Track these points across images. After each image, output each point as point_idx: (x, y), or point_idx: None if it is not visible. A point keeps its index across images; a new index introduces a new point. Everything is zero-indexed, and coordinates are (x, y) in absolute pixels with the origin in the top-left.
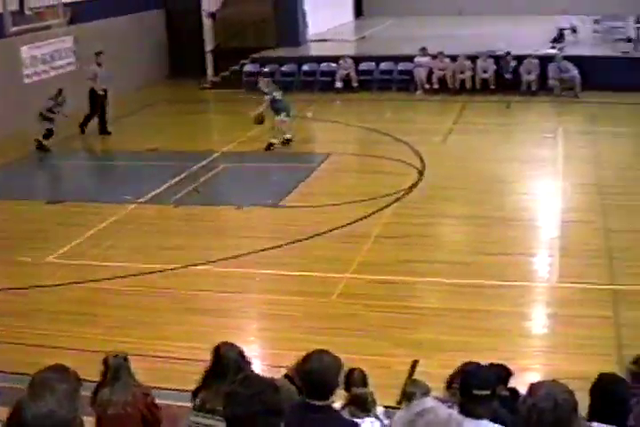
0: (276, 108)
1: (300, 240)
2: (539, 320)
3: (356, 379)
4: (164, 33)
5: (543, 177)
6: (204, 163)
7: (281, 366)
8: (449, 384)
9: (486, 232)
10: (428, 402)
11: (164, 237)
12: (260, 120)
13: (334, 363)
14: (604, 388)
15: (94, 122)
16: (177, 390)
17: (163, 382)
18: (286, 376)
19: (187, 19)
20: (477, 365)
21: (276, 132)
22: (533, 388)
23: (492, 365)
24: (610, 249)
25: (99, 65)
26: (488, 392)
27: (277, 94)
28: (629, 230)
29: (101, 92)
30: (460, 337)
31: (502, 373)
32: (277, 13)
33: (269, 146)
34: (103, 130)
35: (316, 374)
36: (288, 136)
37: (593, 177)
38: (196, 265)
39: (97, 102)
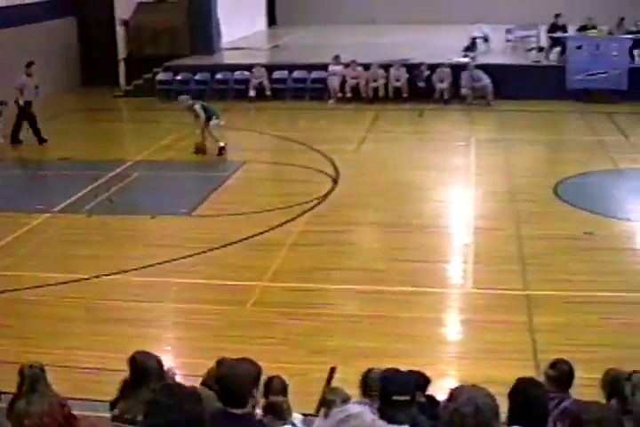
0: (208, 115)
1: (215, 249)
2: (455, 326)
3: (275, 387)
4: (76, 41)
5: (456, 185)
6: (117, 171)
7: (198, 376)
8: (364, 391)
9: (401, 239)
10: (354, 408)
11: (77, 247)
12: (202, 150)
13: (250, 370)
14: (523, 392)
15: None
16: (91, 400)
17: (77, 392)
18: (203, 384)
19: (99, 26)
20: (396, 370)
21: (218, 138)
22: (454, 393)
23: (410, 371)
24: (523, 255)
25: (29, 76)
26: (408, 398)
27: (200, 104)
28: (541, 237)
29: (22, 104)
30: (376, 343)
31: (420, 379)
32: (191, 21)
33: (221, 150)
34: (40, 140)
35: (229, 381)
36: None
37: (505, 184)
38: (109, 275)
39: (20, 113)
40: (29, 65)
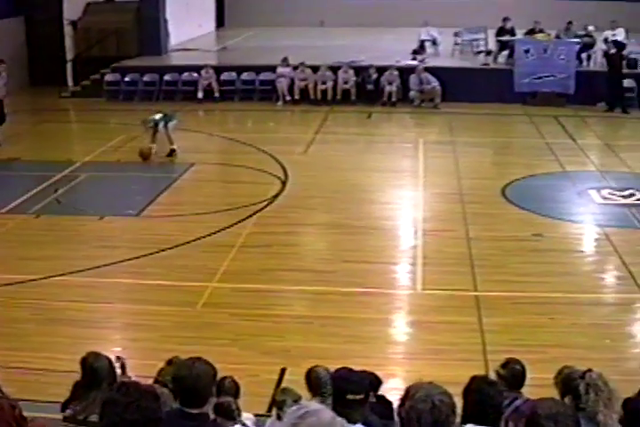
0: (168, 119)
1: (164, 250)
2: (404, 327)
3: (227, 387)
4: (23, 41)
5: (404, 187)
6: (65, 173)
7: (149, 377)
8: (315, 392)
9: (349, 241)
10: (313, 404)
11: (25, 248)
12: (147, 155)
13: (208, 370)
14: (478, 391)
15: None
16: (41, 401)
17: (26, 393)
18: (156, 381)
19: (47, 27)
20: (349, 370)
21: (171, 140)
22: (411, 390)
23: (363, 371)
24: (471, 257)
25: None
26: (362, 396)
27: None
28: (490, 239)
29: None
30: (327, 344)
31: (373, 380)
32: (139, 23)
33: (172, 152)
34: None
35: (189, 382)
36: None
37: (453, 186)
38: (58, 276)
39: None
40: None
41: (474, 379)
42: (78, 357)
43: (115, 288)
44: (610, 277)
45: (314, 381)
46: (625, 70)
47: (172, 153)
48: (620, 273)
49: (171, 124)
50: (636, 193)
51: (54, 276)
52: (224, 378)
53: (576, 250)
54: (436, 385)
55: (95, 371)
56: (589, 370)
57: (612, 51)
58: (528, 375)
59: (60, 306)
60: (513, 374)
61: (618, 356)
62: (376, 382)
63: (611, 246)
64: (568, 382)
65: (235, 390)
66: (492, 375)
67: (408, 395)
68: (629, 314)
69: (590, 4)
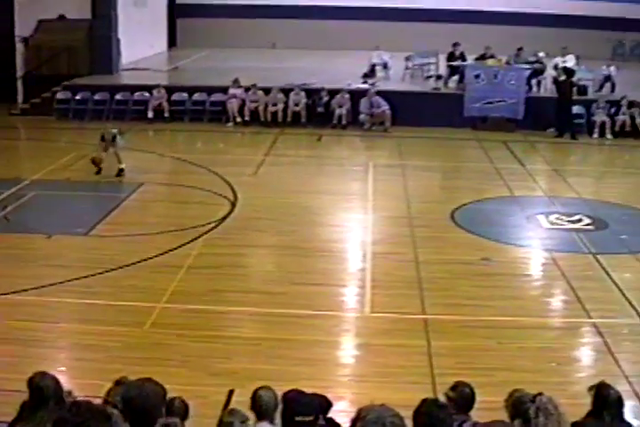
0: (120, 136)
1: (112, 270)
2: (353, 350)
3: (176, 408)
4: None
5: (353, 209)
6: (13, 190)
7: (95, 397)
8: (261, 414)
9: (298, 263)
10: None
11: None
12: (99, 162)
13: (157, 390)
14: (428, 413)
15: None
16: None
17: None
18: (105, 402)
19: None
20: (299, 392)
21: (119, 159)
22: (362, 412)
23: (313, 394)
24: (420, 280)
25: None
26: (311, 418)
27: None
28: (438, 262)
29: None
30: (275, 366)
31: (323, 402)
32: (91, 41)
33: (121, 171)
34: None
35: (139, 402)
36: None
37: (402, 210)
38: (4, 294)
39: None
40: None
41: (424, 402)
42: (24, 376)
43: (62, 308)
44: (557, 302)
45: (259, 402)
46: (575, 97)
47: (120, 173)
48: (567, 297)
49: (120, 142)
50: (584, 218)
51: (0, 294)
52: (173, 398)
53: (524, 274)
54: (387, 407)
55: (41, 390)
56: (540, 394)
57: (562, 77)
58: (476, 398)
59: (5, 325)
60: (462, 397)
61: (564, 379)
62: (326, 404)
63: (558, 271)
64: (518, 405)
65: (184, 411)
66: (442, 398)
67: (359, 417)
68: (576, 338)
69: (541, 30)
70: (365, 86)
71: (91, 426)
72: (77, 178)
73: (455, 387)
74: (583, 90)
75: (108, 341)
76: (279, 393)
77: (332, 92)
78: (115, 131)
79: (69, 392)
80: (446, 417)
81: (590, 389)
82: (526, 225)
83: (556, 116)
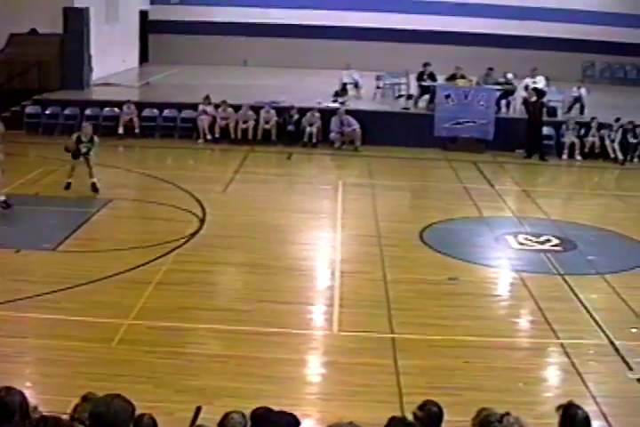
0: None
1: (79, 285)
2: (320, 368)
3: (144, 424)
4: None
5: (322, 228)
6: None
7: (64, 413)
8: None
9: (266, 281)
10: None
11: None
12: (72, 149)
13: (126, 407)
14: None
15: None
16: None
17: None
18: (72, 418)
19: None
20: (268, 409)
21: (92, 172)
22: None
23: (281, 412)
24: (388, 299)
25: None
26: None
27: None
28: (406, 281)
29: None
30: (242, 384)
31: (291, 420)
32: (62, 56)
33: (94, 187)
34: None
35: (107, 419)
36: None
37: (371, 229)
38: None
39: None
40: None
41: (392, 420)
42: None
43: (28, 323)
44: (525, 322)
45: (229, 424)
46: (544, 118)
47: (95, 188)
48: (534, 318)
49: (92, 153)
50: (552, 239)
51: None
52: (142, 415)
53: (492, 294)
54: (355, 425)
55: (7, 405)
56: (507, 413)
57: (533, 98)
58: (444, 418)
59: None
60: (430, 416)
61: (531, 399)
62: (294, 422)
63: (526, 291)
64: (486, 424)
65: None
66: (410, 417)
67: None
68: (543, 358)
69: (511, 51)
70: (336, 105)
71: None
72: (46, 193)
73: (423, 406)
74: (552, 111)
75: (75, 356)
76: (247, 412)
77: (303, 111)
78: (90, 132)
79: (35, 407)
80: None
81: (558, 409)
82: (495, 245)
83: (526, 136)
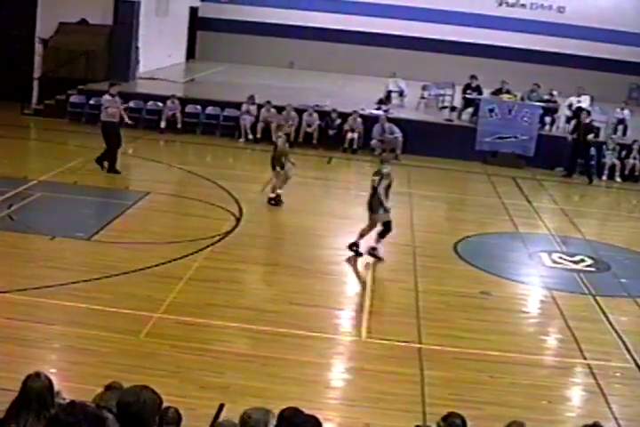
0: None
1: (111, 276)
2: (344, 373)
3: (170, 418)
4: None
5: (357, 234)
6: (19, 189)
7: (86, 401)
8: None
9: (297, 283)
10: None
11: None
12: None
13: (154, 399)
14: None
15: None
16: None
17: None
18: (97, 406)
19: (19, 43)
20: (295, 410)
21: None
22: None
23: (308, 415)
24: (418, 309)
25: None
26: None
27: None
28: (438, 292)
29: None
30: (265, 384)
31: (315, 423)
32: (110, 47)
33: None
34: None
35: (135, 408)
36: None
37: (406, 238)
38: (1, 292)
39: None
40: None
41: None
42: (14, 375)
43: (58, 310)
44: (552, 340)
45: (249, 423)
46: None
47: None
48: (562, 336)
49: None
50: (586, 259)
51: None
52: (168, 408)
53: (521, 310)
54: None
55: (28, 391)
56: None
57: (587, 120)
58: None
59: (1, 323)
60: None
61: (554, 418)
62: (317, 425)
63: (556, 309)
64: None
65: (177, 421)
66: None
67: None
68: (569, 377)
69: (558, 69)
70: (378, 112)
71: None
72: (84, 182)
73: (447, 417)
74: (596, 131)
75: (102, 346)
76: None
77: (345, 116)
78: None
79: (57, 393)
80: None
81: None
82: (528, 262)
83: (572, 156)
